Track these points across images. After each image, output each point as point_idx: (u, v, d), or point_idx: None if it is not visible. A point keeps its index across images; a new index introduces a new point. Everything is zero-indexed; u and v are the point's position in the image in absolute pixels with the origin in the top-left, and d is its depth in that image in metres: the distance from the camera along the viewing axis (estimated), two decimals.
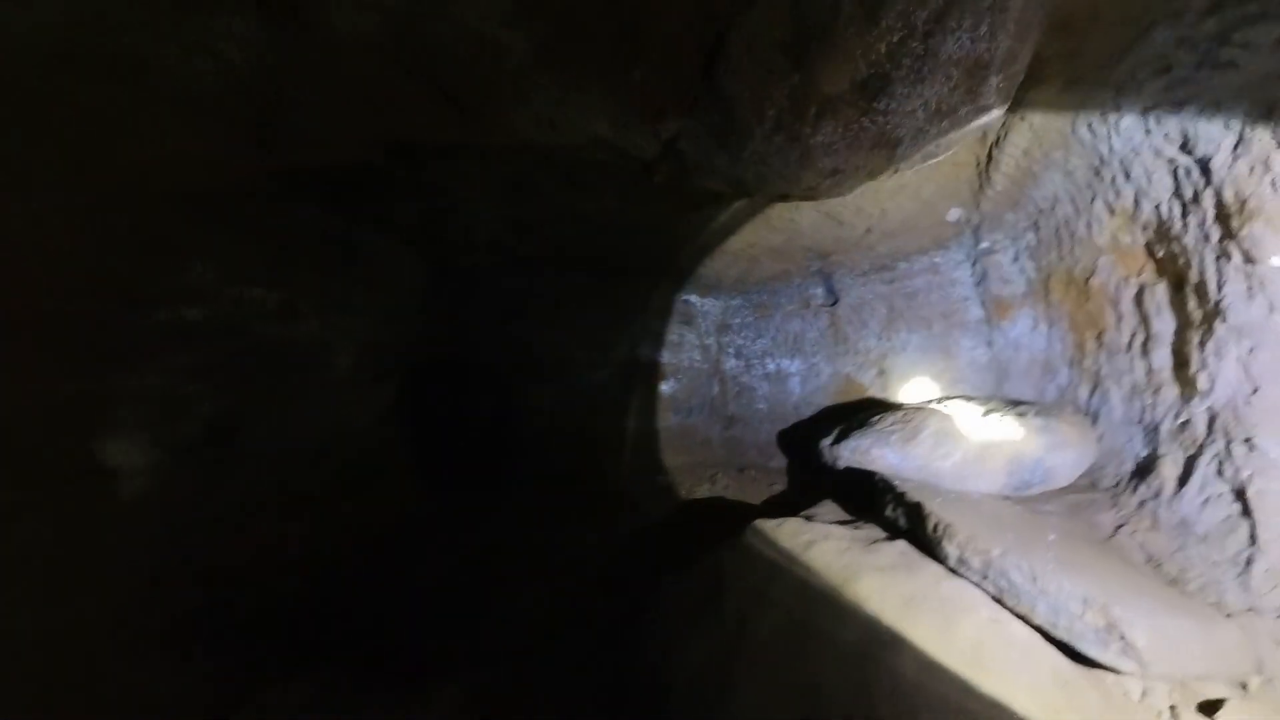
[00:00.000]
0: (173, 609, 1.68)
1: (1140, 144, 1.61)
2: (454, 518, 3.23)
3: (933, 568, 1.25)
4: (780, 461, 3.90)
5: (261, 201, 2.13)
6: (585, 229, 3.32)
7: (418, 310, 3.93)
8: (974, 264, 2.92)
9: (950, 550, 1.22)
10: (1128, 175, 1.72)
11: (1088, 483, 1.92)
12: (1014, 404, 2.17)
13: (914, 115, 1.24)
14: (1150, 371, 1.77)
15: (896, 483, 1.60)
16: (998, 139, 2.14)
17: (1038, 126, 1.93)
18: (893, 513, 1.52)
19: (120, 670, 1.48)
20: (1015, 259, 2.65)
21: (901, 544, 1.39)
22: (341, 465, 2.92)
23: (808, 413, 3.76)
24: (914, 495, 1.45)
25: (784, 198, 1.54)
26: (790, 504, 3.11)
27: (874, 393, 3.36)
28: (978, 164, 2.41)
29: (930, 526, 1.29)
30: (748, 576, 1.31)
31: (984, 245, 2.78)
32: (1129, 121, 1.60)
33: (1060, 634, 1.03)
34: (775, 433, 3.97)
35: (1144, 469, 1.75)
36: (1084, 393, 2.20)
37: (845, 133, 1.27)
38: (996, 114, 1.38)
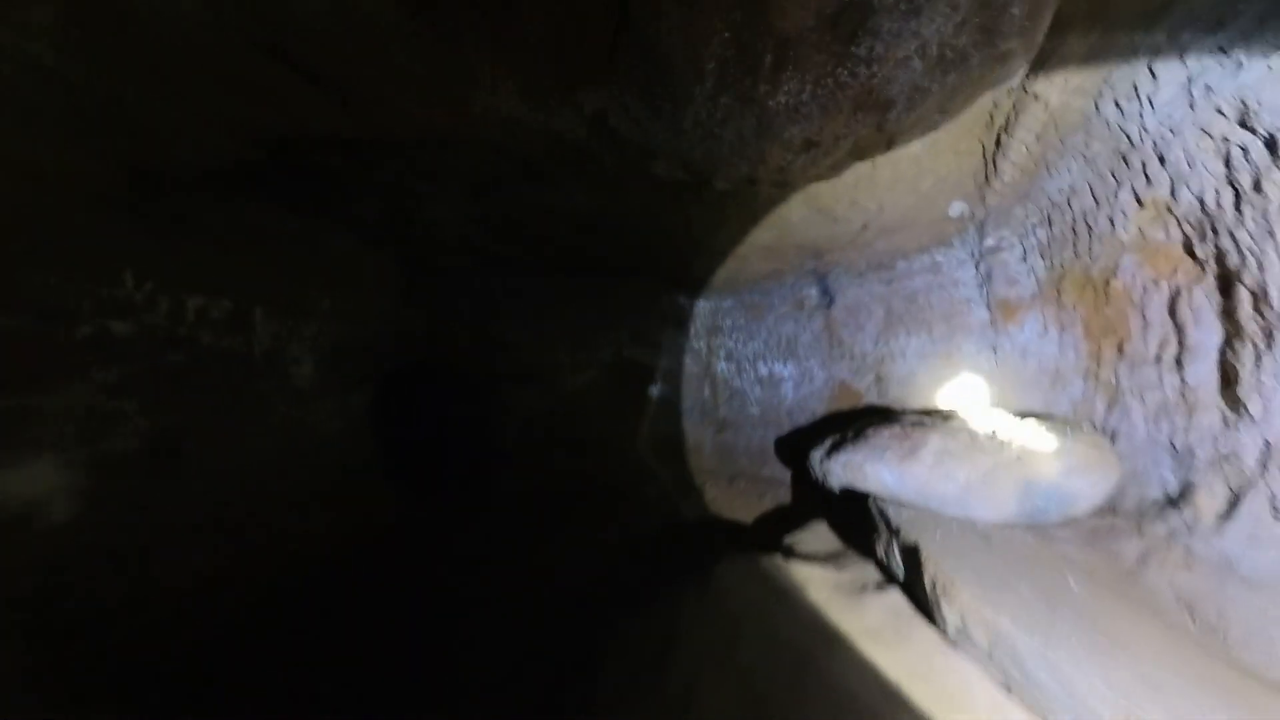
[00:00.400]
0: (86, 652, 1.51)
1: (1182, 121, 1.38)
2: (428, 532, 3.03)
3: (928, 635, 1.03)
4: (771, 470, 3.69)
5: (201, 201, 1.96)
6: (561, 227, 3.10)
7: (392, 313, 3.73)
8: (978, 263, 2.69)
9: (950, 617, 1.01)
10: (1163, 160, 1.49)
11: (1107, 507, 1.71)
12: (1024, 417, 1.95)
13: (909, 65, 0.98)
14: (1184, 388, 1.55)
15: (891, 514, 1.39)
16: (1007, 122, 1.91)
17: (1055, 106, 1.70)
18: (886, 553, 1.30)
19: None
20: (1024, 257, 2.42)
21: (894, 596, 1.18)
22: (305, 480, 2.74)
23: (801, 419, 3.55)
24: (910, 533, 1.23)
25: (752, 182, 1.29)
26: (782, 518, 2.92)
27: (871, 399, 3.14)
28: (983, 152, 2.17)
29: (928, 582, 1.08)
30: (706, 630, 1.10)
31: (989, 243, 2.55)
32: (1169, 94, 1.37)
33: None
34: (767, 439, 3.76)
35: (1174, 498, 1.53)
36: (1100, 407, 1.98)
37: (816, 90, 0.99)
38: (1018, 67, 1.11)
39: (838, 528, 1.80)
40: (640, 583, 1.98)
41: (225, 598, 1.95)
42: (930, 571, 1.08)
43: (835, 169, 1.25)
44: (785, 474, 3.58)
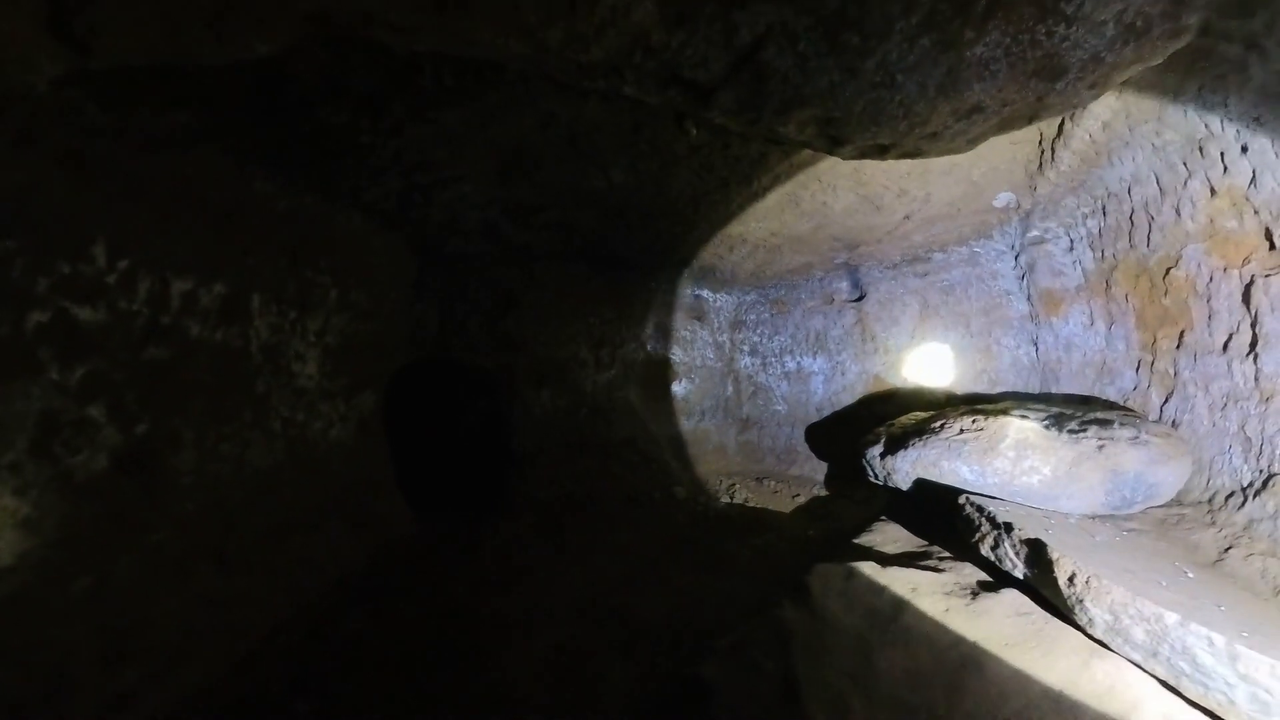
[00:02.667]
0: None
1: (1272, 109, 1.36)
2: (447, 547, 2.79)
3: (1072, 638, 0.97)
4: (801, 469, 3.65)
5: (193, 166, 1.62)
6: (590, 213, 2.96)
7: (403, 306, 3.49)
8: (1018, 255, 2.70)
9: (1099, 615, 0.93)
10: (1245, 149, 1.48)
11: (1173, 498, 1.71)
12: (1082, 408, 1.94)
13: (1102, 30, 0.91)
14: (1258, 377, 1.56)
15: (993, 509, 1.34)
16: (1073, 110, 1.89)
17: (1129, 94, 1.68)
18: (994, 550, 1.25)
19: None
20: (1070, 248, 2.42)
21: (1013, 596, 1.12)
22: (311, 494, 2.41)
23: (831, 414, 3.52)
24: (1026, 529, 1.18)
25: (884, 150, 1.13)
26: (823, 516, 2.84)
27: (903, 394, 3.13)
28: (1040, 140, 2.16)
29: (1065, 577, 1.01)
30: (831, 649, 0.99)
31: (1034, 234, 2.55)
32: (1260, 80, 1.35)
33: None
34: (795, 437, 3.72)
35: (1251, 486, 1.54)
36: (1155, 398, 1.99)
37: (1013, 46, 0.90)
38: (1186, 40, 1.05)
39: (909, 527, 1.75)
40: (701, 600, 1.83)
41: (226, 647, 1.61)
42: (1068, 568, 1.02)
43: (973, 142, 1.16)
44: (815, 473, 3.55)
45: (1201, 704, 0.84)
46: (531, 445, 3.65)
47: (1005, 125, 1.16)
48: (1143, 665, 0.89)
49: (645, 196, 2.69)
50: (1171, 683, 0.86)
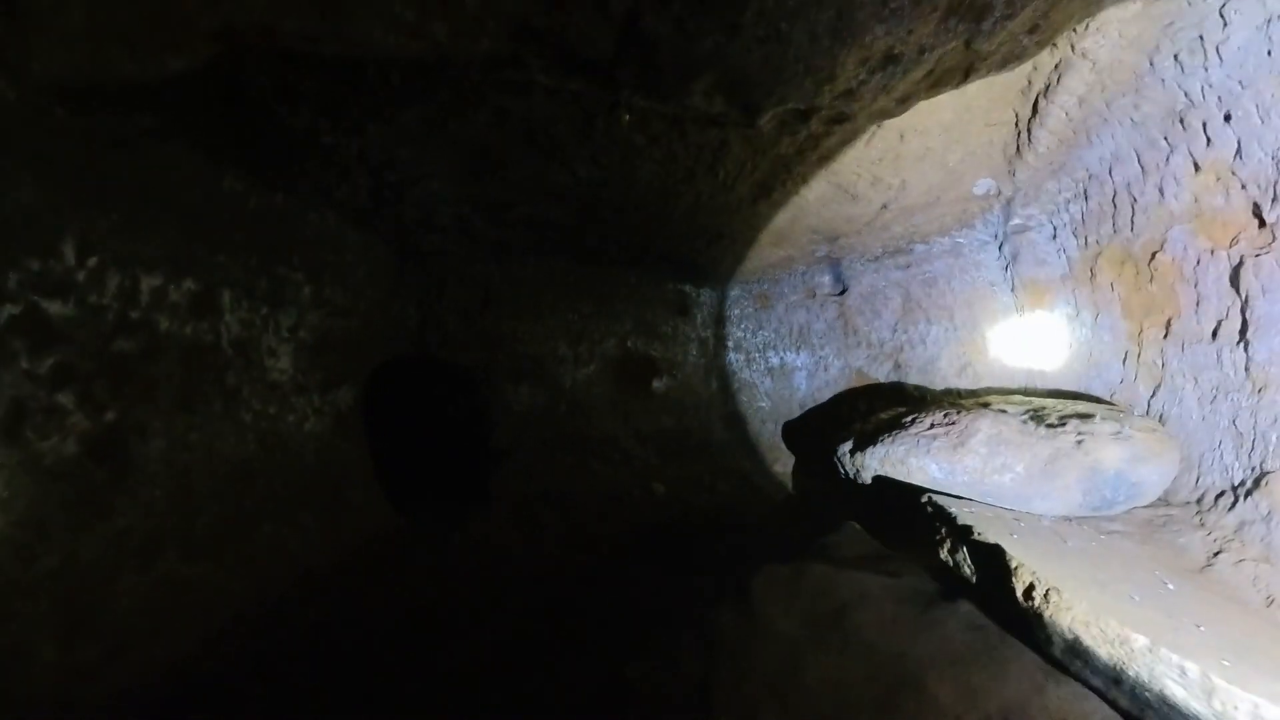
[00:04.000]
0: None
1: (1255, 71, 1.26)
2: (422, 543, 2.76)
3: (1027, 659, 0.85)
4: (784, 466, 3.55)
5: (161, 166, 1.67)
6: (563, 208, 2.90)
7: (380, 302, 3.45)
8: (1002, 245, 2.59)
9: (1058, 633, 0.82)
10: (1228, 118, 1.38)
11: (1160, 497, 1.59)
12: (1064, 402, 1.83)
13: None
14: (1249, 366, 1.44)
15: (953, 510, 1.23)
16: (1047, 86, 1.78)
17: (1104, 64, 1.57)
18: (951, 556, 1.14)
19: None
20: (1053, 236, 2.31)
21: (966, 607, 1.01)
22: (284, 486, 2.41)
23: (813, 409, 3.42)
24: (985, 533, 1.07)
25: (806, 116, 1.06)
26: (800, 516, 2.75)
27: (886, 389, 3.02)
28: (1016, 122, 2.05)
29: (1021, 591, 0.90)
30: (756, 658, 0.90)
31: (1016, 222, 2.44)
32: (1241, 40, 1.25)
33: None
34: (779, 434, 3.62)
35: (1243, 485, 1.42)
36: (1143, 391, 1.88)
37: None
38: None
39: (873, 529, 1.64)
40: (657, 596, 1.78)
41: (188, 629, 1.66)
42: (1025, 578, 0.91)
43: (903, 102, 1.07)
44: (798, 471, 3.44)
45: None
46: (509, 441, 3.57)
47: (939, 81, 1.06)
48: (1104, 694, 0.78)
49: (614, 190, 2.62)
50: (1136, 715, 0.75)
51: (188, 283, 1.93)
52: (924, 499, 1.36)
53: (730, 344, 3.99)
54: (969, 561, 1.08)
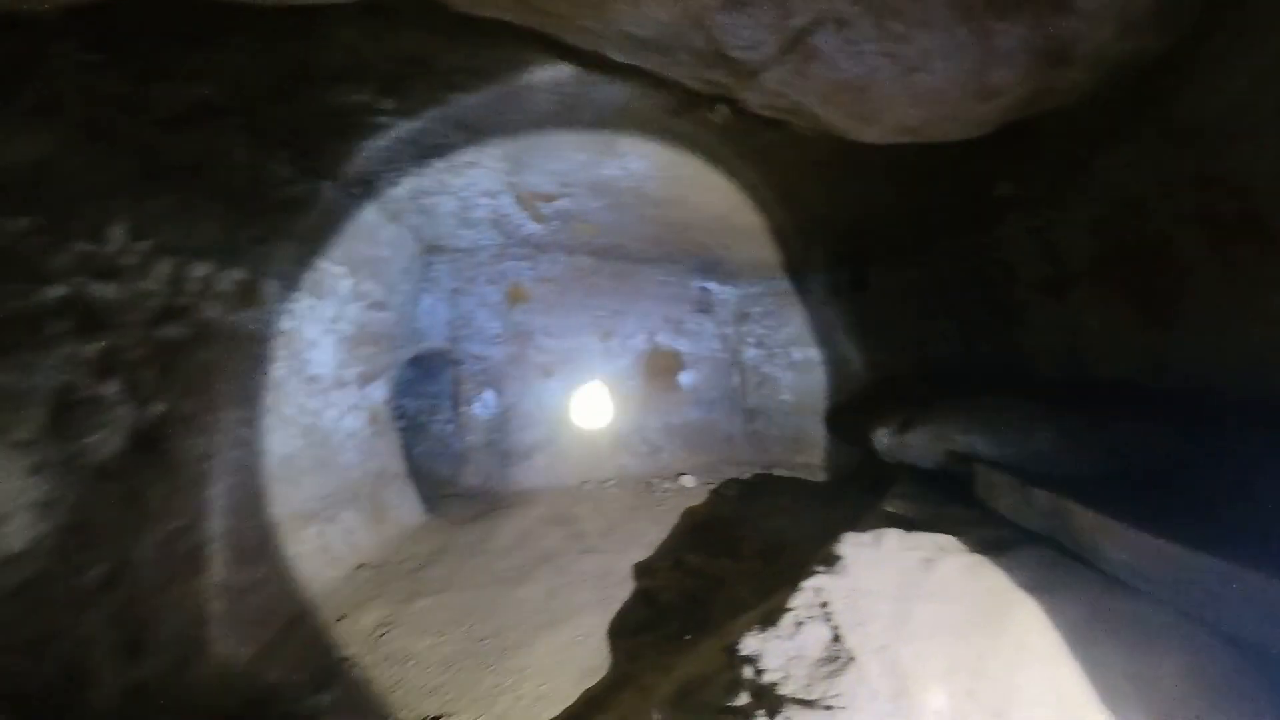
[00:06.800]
0: None
1: None
2: (455, 538, 2.75)
3: (1092, 579, 1.02)
4: (807, 457, 3.71)
5: (211, 146, 1.58)
6: (601, 202, 3.02)
7: (412, 298, 3.53)
8: (1017, 243, 2.78)
9: (1114, 554, 1.00)
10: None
11: None
12: (1085, 384, 2.02)
13: (1104, 24, 0.98)
14: None
15: (1011, 469, 1.39)
16: None
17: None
18: (1015, 508, 1.31)
19: None
20: (1069, 234, 2.51)
21: (1032, 548, 1.17)
22: (323, 483, 2.36)
23: (838, 401, 3.59)
24: (1047, 485, 1.23)
25: (910, 133, 1.19)
26: (836, 499, 2.85)
27: (908, 381, 3.20)
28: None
29: (1083, 523, 1.07)
30: (867, 620, 1.00)
31: (1034, 222, 2.63)
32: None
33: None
34: (801, 427, 3.78)
35: None
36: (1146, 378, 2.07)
37: (1030, 37, 0.98)
38: (1171, 40, 1.14)
39: (923, 498, 1.79)
40: (722, 581, 1.83)
41: (244, 638, 1.54)
42: (1083, 515, 1.08)
43: (981, 125, 1.24)
44: (822, 460, 3.61)
45: (1216, 627, 0.89)
46: (541, 435, 3.68)
47: (1018, 108, 1.22)
48: (1160, 598, 0.95)
49: (656, 184, 2.73)
50: (1189, 611, 0.91)
51: (236, 272, 1.83)
52: (978, 466, 1.53)
53: (752, 341, 4.13)
54: (1029, 511, 1.25)
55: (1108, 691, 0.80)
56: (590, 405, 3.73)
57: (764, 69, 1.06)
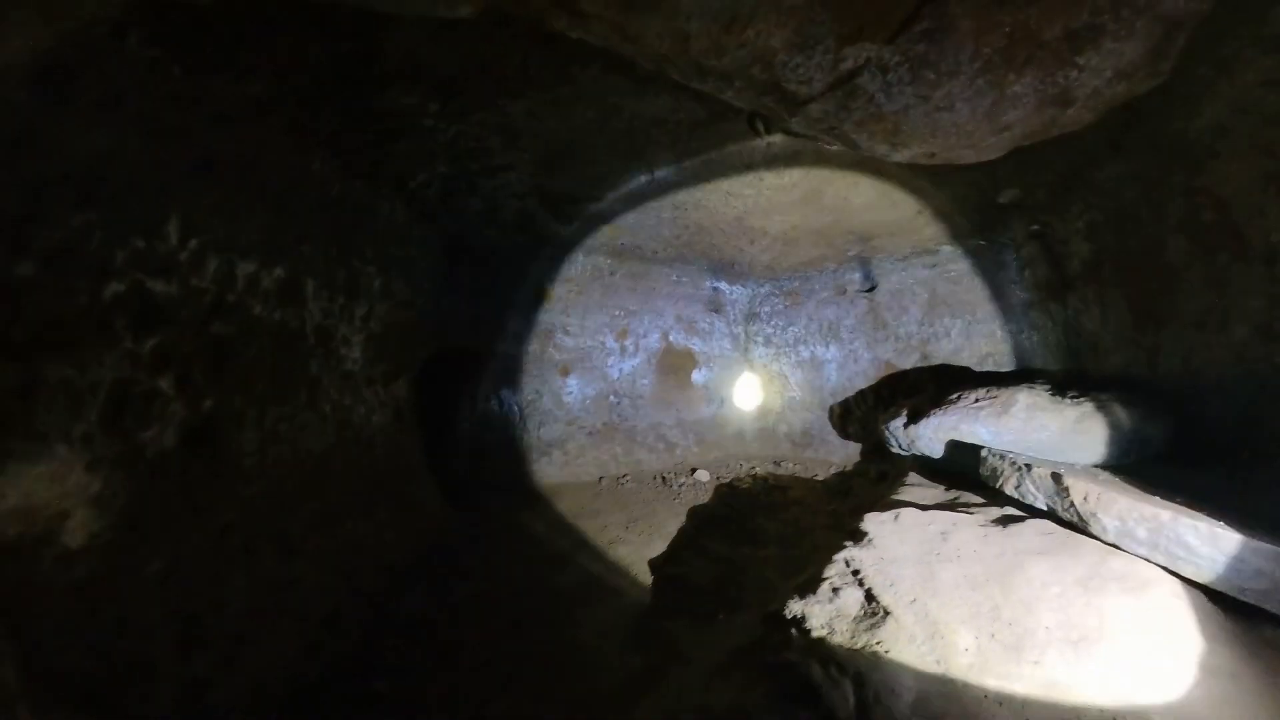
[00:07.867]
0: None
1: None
2: (482, 532, 2.81)
3: (1090, 545, 1.19)
4: (815, 452, 3.87)
5: (257, 144, 1.61)
6: (626, 203, 3.15)
7: (435, 295, 3.62)
8: (1021, 247, 2.96)
9: (1109, 522, 1.17)
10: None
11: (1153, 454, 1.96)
12: (1081, 380, 2.19)
13: (1102, 74, 1.17)
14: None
15: (1014, 457, 1.55)
16: None
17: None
18: (1018, 488, 1.47)
19: None
20: (1068, 240, 2.68)
21: (1036, 522, 1.34)
22: (356, 480, 2.42)
23: (846, 395, 3.74)
24: (1044, 467, 1.40)
25: (930, 157, 1.38)
26: (846, 491, 3.02)
27: (913, 377, 3.37)
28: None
29: (1080, 497, 1.24)
30: (896, 580, 1.17)
31: (1035, 227, 2.81)
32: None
33: (1249, 598, 0.99)
34: (810, 422, 3.94)
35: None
36: (1145, 370, 2.24)
37: (1039, 85, 1.17)
38: (1159, 81, 1.33)
39: (928, 484, 1.95)
40: (746, 568, 1.96)
41: (291, 631, 1.57)
42: (1081, 489, 1.25)
43: (999, 151, 1.43)
44: (830, 455, 3.77)
45: (1195, 579, 1.07)
46: (559, 432, 3.80)
47: (1028, 136, 1.40)
48: (1149, 558, 1.12)
49: (682, 189, 2.86)
50: (1171, 567, 1.09)
51: (278, 270, 1.90)
52: (984, 452, 1.69)
53: (760, 340, 4.28)
54: (1032, 489, 1.41)
55: (1106, 629, 0.96)
56: (607, 403, 3.85)
57: (811, 100, 1.23)
